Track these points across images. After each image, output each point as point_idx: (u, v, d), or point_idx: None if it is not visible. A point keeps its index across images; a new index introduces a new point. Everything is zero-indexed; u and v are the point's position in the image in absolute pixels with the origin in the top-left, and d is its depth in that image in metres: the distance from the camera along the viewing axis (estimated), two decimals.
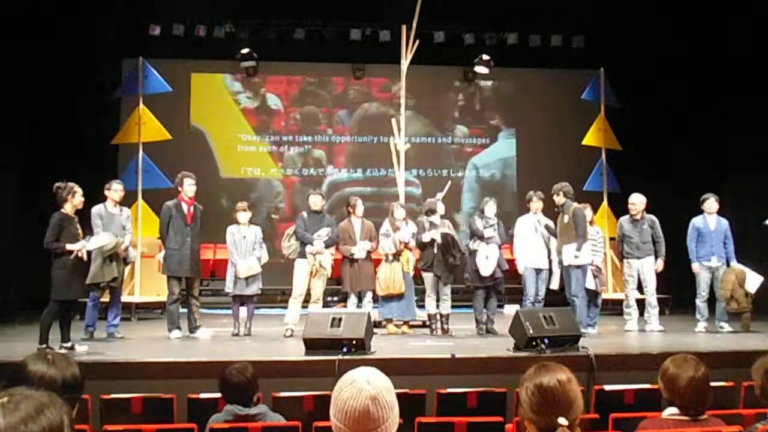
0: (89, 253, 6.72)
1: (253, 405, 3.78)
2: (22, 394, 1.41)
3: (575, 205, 7.92)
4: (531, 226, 8.23)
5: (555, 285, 8.24)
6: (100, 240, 7.01)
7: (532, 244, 8.17)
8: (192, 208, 7.78)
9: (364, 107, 13.27)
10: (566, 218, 7.82)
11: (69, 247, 6.38)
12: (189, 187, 7.78)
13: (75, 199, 6.58)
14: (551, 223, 8.19)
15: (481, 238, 7.77)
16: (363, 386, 1.83)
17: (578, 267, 7.71)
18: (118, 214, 7.65)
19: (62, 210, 6.50)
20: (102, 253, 6.95)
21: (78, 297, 6.74)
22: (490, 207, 8.02)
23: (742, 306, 7.79)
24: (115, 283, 7.24)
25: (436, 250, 7.78)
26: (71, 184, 6.59)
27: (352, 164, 13.17)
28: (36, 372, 2.25)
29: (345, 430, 1.83)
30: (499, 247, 7.88)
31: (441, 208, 8.13)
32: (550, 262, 8.21)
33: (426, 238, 7.83)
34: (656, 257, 8.19)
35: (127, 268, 9.54)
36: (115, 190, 7.68)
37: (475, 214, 8.19)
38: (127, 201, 8.13)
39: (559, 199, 7.99)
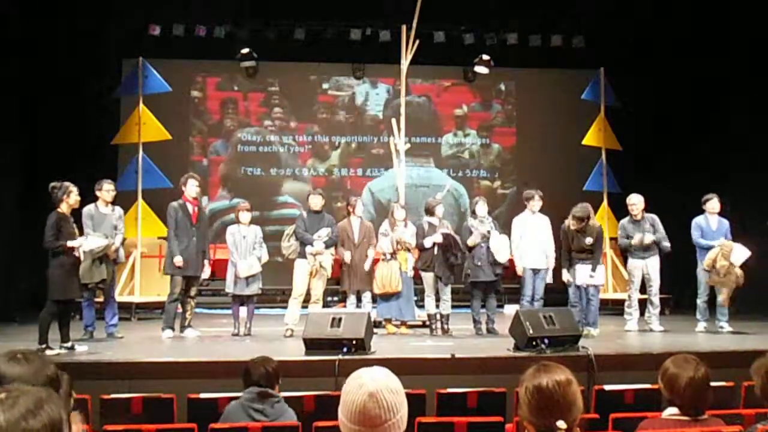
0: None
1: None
2: (20, 390, 1.40)
3: (598, 224, 7.82)
4: (529, 226, 8.23)
5: (548, 279, 8.25)
6: (97, 242, 7.00)
7: (529, 244, 8.17)
8: (197, 208, 7.82)
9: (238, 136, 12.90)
10: (589, 240, 7.55)
11: (70, 243, 6.37)
12: (192, 188, 7.79)
13: (71, 199, 6.57)
14: (548, 222, 8.23)
15: (483, 237, 7.79)
16: (364, 382, 1.87)
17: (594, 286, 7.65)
18: (110, 214, 7.64)
19: (58, 210, 6.49)
20: (91, 254, 6.93)
21: (75, 297, 6.74)
22: (481, 206, 8.05)
23: (722, 279, 7.62)
24: (104, 284, 7.21)
25: (436, 251, 7.77)
26: (66, 183, 6.58)
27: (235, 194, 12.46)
28: (10, 373, 2.11)
29: (349, 425, 1.86)
30: None
31: (440, 210, 8.14)
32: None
33: (428, 243, 7.80)
34: (661, 254, 8.18)
35: (126, 269, 9.56)
36: (106, 190, 7.66)
37: (468, 217, 8.20)
38: (128, 201, 8.11)
39: (587, 222, 7.57)
